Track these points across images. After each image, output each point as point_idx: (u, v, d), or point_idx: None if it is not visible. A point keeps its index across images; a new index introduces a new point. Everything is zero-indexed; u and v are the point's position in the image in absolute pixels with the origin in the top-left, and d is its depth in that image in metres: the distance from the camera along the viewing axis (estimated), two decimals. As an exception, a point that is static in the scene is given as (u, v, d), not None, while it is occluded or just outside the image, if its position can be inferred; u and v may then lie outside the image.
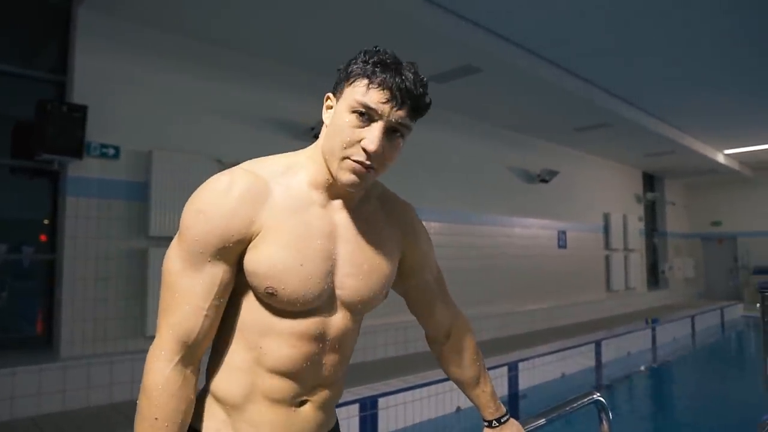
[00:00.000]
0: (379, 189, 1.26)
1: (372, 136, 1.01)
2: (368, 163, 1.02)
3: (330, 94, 1.10)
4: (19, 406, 3.88)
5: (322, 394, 1.15)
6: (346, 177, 1.04)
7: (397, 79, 1.01)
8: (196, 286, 1.03)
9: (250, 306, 1.08)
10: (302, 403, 1.13)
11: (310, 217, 1.09)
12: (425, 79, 1.06)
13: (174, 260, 1.05)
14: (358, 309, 1.16)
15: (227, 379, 1.09)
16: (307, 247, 1.06)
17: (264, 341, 1.07)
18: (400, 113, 1.02)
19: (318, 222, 1.09)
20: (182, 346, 1.03)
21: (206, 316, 1.04)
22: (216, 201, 1.04)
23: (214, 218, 1.02)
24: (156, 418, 1.00)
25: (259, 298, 1.08)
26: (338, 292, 1.12)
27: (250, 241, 1.05)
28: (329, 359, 1.13)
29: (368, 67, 1.02)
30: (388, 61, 1.03)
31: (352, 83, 1.03)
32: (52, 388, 4.03)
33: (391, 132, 1.04)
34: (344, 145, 1.02)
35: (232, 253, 1.04)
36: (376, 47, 1.06)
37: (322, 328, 1.10)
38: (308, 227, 1.08)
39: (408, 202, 1.33)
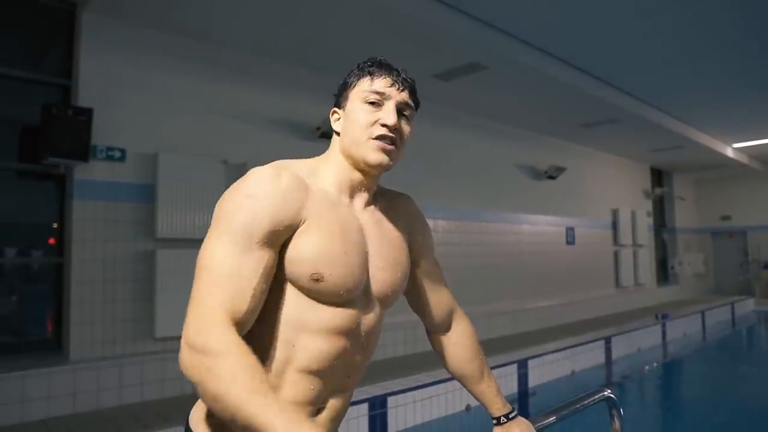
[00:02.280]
0: (379, 187, 1.31)
1: (387, 112, 1.14)
2: (391, 135, 1.13)
3: (335, 109, 1.23)
4: (29, 409, 3.89)
5: (339, 401, 1.18)
6: (375, 156, 1.13)
7: (394, 70, 1.18)
8: (242, 268, 0.98)
9: (286, 300, 1.08)
10: (320, 410, 1.14)
11: (343, 213, 1.15)
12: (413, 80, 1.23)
13: (215, 247, 1.00)
14: (387, 301, 1.22)
15: None
16: (348, 237, 1.11)
17: (298, 337, 1.07)
18: (404, 95, 1.17)
19: (350, 218, 1.16)
20: (233, 320, 0.95)
21: (253, 296, 0.98)
22: (266, 187, 1.05)
23: (266, 202, 1.03)
24: (246, 367, 0.89)
25: (300, 290, 1.08)
26: (372, 285, 1.17)
27: (297, 228, 1.07)
28: (357, 358, 1.17)
29: (365, 69, 1.18)
30: (383, 61, 1.19)
31: (355, 85, 1.18)
32: (63, 391, 4.05)
33: (400, 114, 1.16)
34: (365, 129, 1.13)
35: (280, 238, 1.05)
36: (366, 59, 1.22)
37: (357, 322, 1.14)
38: (345, 221, 1.13)
39: (406, 194, 1.39)
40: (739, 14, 5.23)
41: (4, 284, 4.53)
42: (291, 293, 1.08)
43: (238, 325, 0.97)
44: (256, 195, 1.03)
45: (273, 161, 1.18)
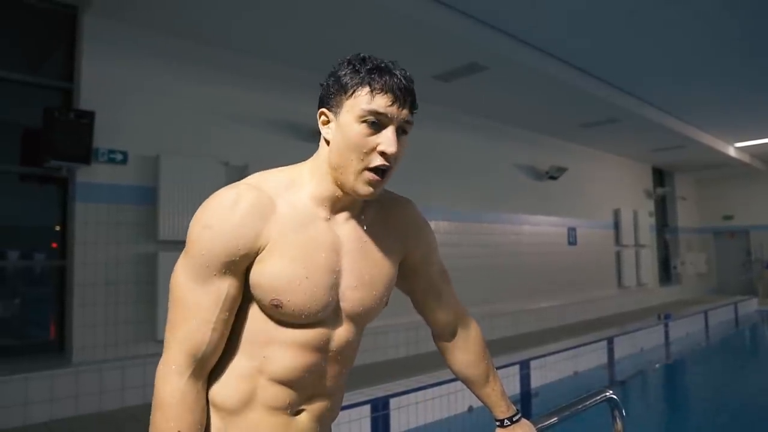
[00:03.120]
0: None
1: (387, 139, 1.04)
2: (387, 164, 1.04)
3: (324, 110, 1.11)
4: (32, 412, 3.91)
5: (320, 405, 1.16)
6: (365, 189, 1.06)
7: (395, 80, 1.04)
8: (203, 300, 1.04)
9: (254, 316, 1.09)
10: (299, 412, 1.13)
11: (314, 231, 1.10)
12: (410, 74, 1.10)
13: (181, 275, 1.06)
14: (361, 320, 1.17)
15: (227, 386, 1.09)
16: (312, 261, 1.07)
17: (267, 350, 1.08)
18: (405, 113, 1.06)
19: (322, 236, 1.10)
20: (192, 359, 1.04)
21: (214, 329, 1.04)
22: (222, 216, 1.04)
23: (220, 233, 1.03)
24: (178, 431, 1.01)
25: (264, 312, 1.08)
26: (342, 304, 1.13)
27: (256, 255, 1.05)
28: (331, 370, 1.15)
29: (363, 75, 1.04)
30: (382, 65, 1.06)
31: (352, 94, 1.05)
32: (65, 394, 4.05)
33: (400, 133, 1.07)
34: (361, 156, 1.04)
35: (239, 267, 1.05)
36: (359, 54, 1.08)
37: (326, 339, 1.12)
38: (313, 241, 1.09)
39: (407, 198, 1.32)
40: (740, 13, 5.23)
41: (7, 287, 4.54)
42: (259, 312, 1.09)
43: (201, 359, 1.05)
44: (212, 225, 1.03)
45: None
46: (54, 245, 4.67)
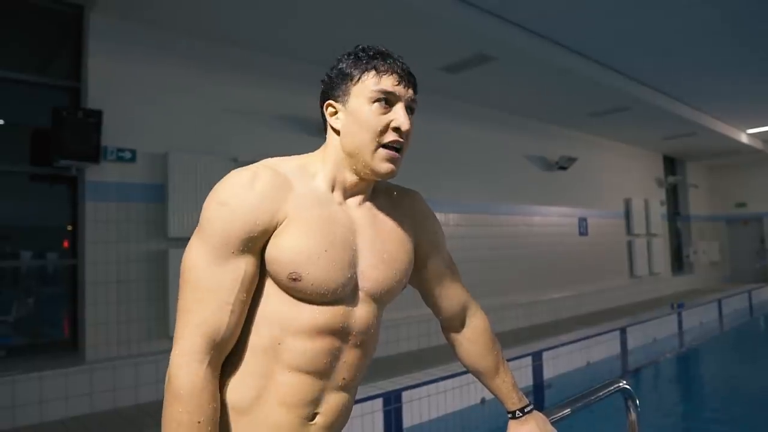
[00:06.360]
0: (383, 183, 1.26)
1: (399, 116, 1.08)
2: (401, 140, 1.09)
3: (330, 101, 1.14)
4: (47, 410, 3.94)
5: (337, 404, 1.12)
6: (385, 167, 1.09)
7: (397, 63, 1.11)
8: (221, 280, 1.01)
9: (270, 299, 1.06)
10: (314, 416, 1.09)
11: (330, 210, 1.11)
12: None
13: (195, 256, 1.03)
14: (381, 299, 1.16)
15: (237, 382, 1.05)
16: (330, 235, 1.07)
17: (284, 336, 1.05)
18: (411, 92, 1.12)
19: (338, 216, 1.11)
20: (211, 345, 0.99)
21: (232, 311, 1.01)
22: (240, 192, 1.04)
23: (239, 209, 1.02)
24: (199, 422, 0.96)
25: (281, 289, 1.06)
26: (361, 283, 1.12)
27: (274, 230, 1.05)
28: (351, 356, 1.12)
29: (367, 61, 1.10)
30: (382, 50, 1.12)
31: (359, 80, 1.10)
32: (79, 391, 4.09)
33: (408, 112, 1.12)
34: (376, 135, 1.08)
35: (257, 243, 1.03)
36: (357, 46, 1.14)
37: (345, 320, 1.09)
38: (330, 218, 1.09)
39: (414, 190, 1.34)
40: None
41: (20, 287, 4.58)
42: (275, 291, 1.06)
43: (219, 344, 1.01)
44: (228, 202, 1.03)
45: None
46: (65, 244, 4.70)
